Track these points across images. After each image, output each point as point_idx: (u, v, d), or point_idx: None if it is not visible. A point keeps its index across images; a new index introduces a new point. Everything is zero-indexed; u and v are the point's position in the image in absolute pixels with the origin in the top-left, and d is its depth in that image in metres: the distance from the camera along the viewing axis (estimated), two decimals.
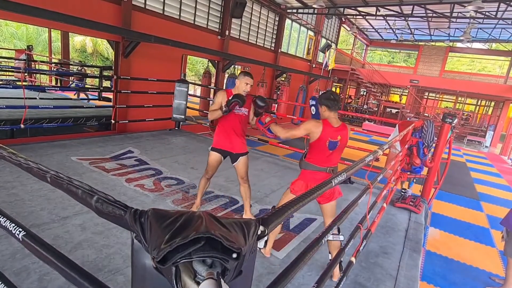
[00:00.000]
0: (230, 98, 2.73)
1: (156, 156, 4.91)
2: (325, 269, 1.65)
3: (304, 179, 2.45)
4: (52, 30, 11.81)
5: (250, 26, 10.28)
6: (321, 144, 2.32)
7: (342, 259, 2.27)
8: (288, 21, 12.36)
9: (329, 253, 2.52)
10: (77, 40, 17.98)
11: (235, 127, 2.96)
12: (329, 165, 2.39)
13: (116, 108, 5.87)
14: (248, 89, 2.87)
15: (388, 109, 19.48)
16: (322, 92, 2.54)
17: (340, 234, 2.20)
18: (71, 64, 12.16)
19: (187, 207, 3.37)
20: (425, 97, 20.04)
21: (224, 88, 9.02)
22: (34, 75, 10.10)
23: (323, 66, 14.67)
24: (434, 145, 4.22)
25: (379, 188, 3.84)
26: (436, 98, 20.50)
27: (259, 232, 0.77)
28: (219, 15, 8.80)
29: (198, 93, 11.84)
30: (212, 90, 9.38)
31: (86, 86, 11.42)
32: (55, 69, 10.99)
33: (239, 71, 15.59)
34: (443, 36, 17.03)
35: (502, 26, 13.22)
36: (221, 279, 0.61)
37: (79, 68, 11.43)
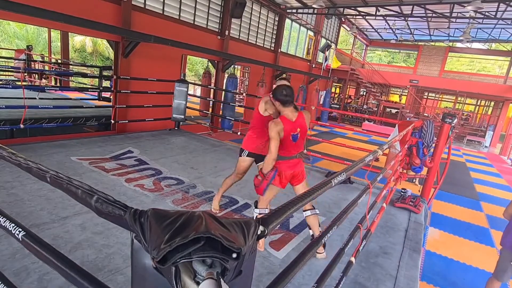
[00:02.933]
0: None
1: (156, 156, 4.91)
2: (325, 269, 1.65)
3: (279, 169, 2.60)
4: (52, 30, 11.80)
5: (250, 26, 10.28)
6: (286, 139, 2.50)
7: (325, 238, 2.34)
8: (288, 21, 12.36)
9: (309, 229, 2.79)
10: (77, 40, 17.97)
11: (266, 130, 2.97)
12: (297, 151, 2.62)
13: (115, 108, 5.87)
14: None
15: (388, 109, 19.49)
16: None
17: (315, 208, 2.64)
18: (71, 64, 12.16)
19: (187, 207, 3.37)
20: (425, 97, 20.04)
21: (224, 87, 9.02)
22: (34, 75, 10.10)
23: (323, 65, 14.69)
24: (433, 145, 4.22)
25: (379, 188, 3.84)
26: (436, 98, 20.50)
27: (259, 232, 0.78)
28: (219, 15, 8.80)
29: (198, 93, 11.85)
30: (212, 90, 9.38)
31: (86, 86, 11.43)
32: (54, 69, 10.98)
33: (238, 71, 15.60)
34: (443, 36, 17.04)
35: (502, 26, 13.23)
36: (221, 279, 0.62)
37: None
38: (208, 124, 8.87)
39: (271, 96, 2.63)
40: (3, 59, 11.33)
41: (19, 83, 8.51)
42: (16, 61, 9.52)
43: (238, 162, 3.10)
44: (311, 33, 14.27)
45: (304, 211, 2.69)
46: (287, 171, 2.59)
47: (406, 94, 19.17)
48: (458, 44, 18.76)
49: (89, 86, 11.50)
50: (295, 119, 2.52)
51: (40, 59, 11.96)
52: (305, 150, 2.66)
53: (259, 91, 9.39)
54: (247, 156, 3.04)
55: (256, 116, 3.01)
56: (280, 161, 2.59)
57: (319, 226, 2.73)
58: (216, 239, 0.61)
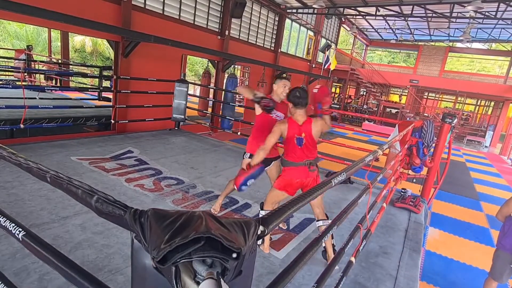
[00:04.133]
0: (265, 96, 2.71)
1: (156, 156, 4.91)
2: (325, 269, 1.65)
3: (286, 175, 2.57)
4: (52, 30, 11.80)
5: (250, 26, 10.28)
6: (290, 141, 2.47)
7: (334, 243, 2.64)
8: (288, 21, 12.36)
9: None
10: (77, 40, 17.97)
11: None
12: (305, 158, 2.50)
13: (116, 108, 5.87)
14: (285, 93, 2.81)
15: (388, 109, 19.48)
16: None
17: (329, 219, 2.53)
18: (71, 64, 12.16)
19: (187, 207, 3.37)
20: (425, 97, 20.04)
21: (224, 87, 9.01)
22: (34, 75, 10.10)
23: (323, 64, 14.68)
24: (433, 145, 4.22)
25: (379, 188, 3.84)
26: (436, 98, 20.50)
27: (259, 232, 0.78)
28: (219, 15, 8.80)
29: (198, 93, 11.84)
30: (211, 90, 9.37)
31: (86, 86, 11.43)
32: (54, 69, 10.98)
33: (238, 71, 15.57)
34: (443, 36, 17.04)
35: (502, 26, 13.23)
36: (221, 279, 0.62)
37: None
38: (208, 124, 8.87)
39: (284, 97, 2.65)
40: (3, 59, 11.33)
41: (19, 83, 8.51)
42: (16, 61, 9.52)
43: (241, 165, 3.09)
44: (311, 33, 14.27)
45: (316, 220, 2.62)
46: (294, 179, 2.52)
47: (406, 94, 19.17)
48: (458, 44, 18.77)
49: (89, 86, 11.49)
50: (302, 123, 2.49)
51: (41, 60, 11.95)
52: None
53: (259, 91, 9.37)
54: (249, 158, 3.00)
55: (256, 118, 2.99)
56: (286, 168, 2.55)
57: (332, 238, 2.61)
58: (216, 239, 0.61)
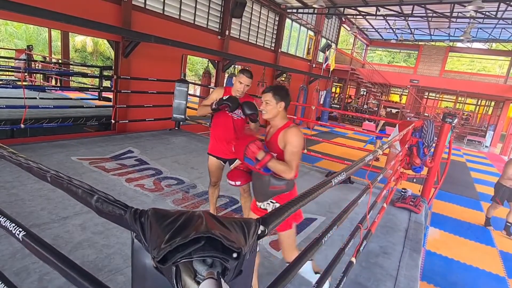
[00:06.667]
0: (223, 97, 2.44)
1: (156, 156, 4.91)
2: (325, 269, 1.65)
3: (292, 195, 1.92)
4: (52, 29, 11.81)
5: (250, 26, 10.28)
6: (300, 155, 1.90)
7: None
8: (288, 21, 12.36)
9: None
10: (77, 40, 17.97)
11: (227, 132, 2.61)
12: None
13: (116, 108, 5.87)
14: (242, 89, 2.47)
15: (388, 109, 19.46)
16: (276, 86, 1.94)
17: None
18: (72, 64, 12.16)
19: (187, 207, 3.37)
20: (425, 97, 20.03)
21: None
22: (34, 75, 10.10)
23: (323, 64, 14.68)
24: (434, 145, 4.22)
25: (379, 188, 3.84)
26: (436, 98, 20.49)
27: (259, 232, 0.77)
28: (219, 15, 8.79)
29: (198, 93, 11.84)
30: (211, 90, 9.37)
31: (86, 85, 11.43)
32: (54, 69, 10.99)
33: (238, 71, 15.57)
34: (443, 36, 17.03)
35: (502, 26, 13.22)
36: (221, 279, 0.61)
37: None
38: (208, 124, 8.87)
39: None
40: (3, 59, 11.33)
41: (20, 83, 8.51)
42: (17, 61, 9.53)
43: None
44: (311, 33, 14.27)
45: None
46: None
47: (407, 94, 19.16)
48: (459, 44, 18.76)
49: (90, 86, 11.50)
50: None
51: (42, 59, 11.95)
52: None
53: (259, 91, 9.38)
54: (208, 154, 2.77)
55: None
56: (293, 191, 1.94)
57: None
58: (217, 238, 0.61)
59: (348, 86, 19.57)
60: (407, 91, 18.84)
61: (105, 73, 8.94)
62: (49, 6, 4.56)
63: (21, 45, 15.03)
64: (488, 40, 17.11)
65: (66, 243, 2.43)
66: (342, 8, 11.80)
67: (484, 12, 9.93)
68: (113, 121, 5.84)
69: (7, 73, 9.74)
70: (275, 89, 1.88)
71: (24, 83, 8.59)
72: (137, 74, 6.31)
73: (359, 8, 11.42)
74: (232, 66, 9.01)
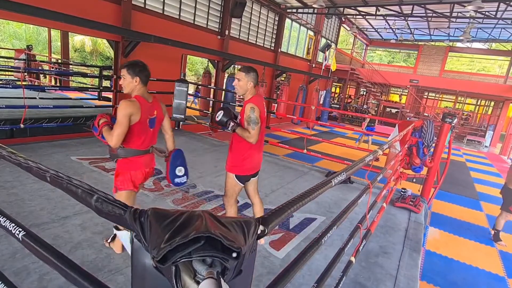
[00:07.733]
0: (221, 116, 2.47)
1: (155, 155, 4.90)
2: (325, 269, 1.65)
3: (127, 169, 2.22)
4: (51, 29, 11.80)
5: (250, 26, 10.28)
6: (143, 125, 2.14)
7: None
8: (288, 21, 12.36)
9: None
10: (77, 39, 17.96)
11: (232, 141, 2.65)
12: (151, 144, 2.33)
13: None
14: (236, 85, 2.53)
15: (388, 109, 19.48)
16: (130, 61, 2.27)
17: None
18: (71, 64, 12.15)
19: (187, 207, 3.37)
20: (425, 97, 20.03)
21: (223, 87, 9.02)
22: (34, 74, 10.09)
23: (323, 64, 14.68)
24: (433, 145, 4.22)
25: (379, 188, 3.84)
26: (436, 98, 20.50)
27: (259, 232, 0.77)
28: (219, 15, 8.79)
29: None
30: (212, 90, 9.38)
31: (86, 85, 11.43)
32: (54, 69, 10.99)
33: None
34: (443, 36, 17.03)
35: (502, 26, 13.22)
36: (221, 279, 0.61)
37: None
38: (208, 124, 8.87)
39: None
40: (3, 59, 11.32)
41: (19, 82, 8.50)
42: (16, 61, 9.52)
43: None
44: (311, 33, 14.27)
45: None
46: (138, 170, 2.26)
47: (406, 94, 19.16)
48: (458, 44, 18.76)
49: (89, 86, 11.48)
50: (151, 101, 2.23)
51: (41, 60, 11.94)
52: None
53: (259, 91, 9.38)
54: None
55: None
56: (127, 159, 2.22)
57: None
58: (216, 238, 0.61)
59: (348, 86, 19.57)
60: (407, 91, 18.84)
61: (105, 73, 8.93)
62: (49, 6, 4.56)
63: (19, 45, 15.02)
64: (487, 40, 17.12)
65: (66, 243, 2.43)
66: (342, 8, 11.81)
67: (484, 12, 9.94)
68: None
69: (6, 73, 9.73)
70: (130, 65, 2.25)
71: (23, 82, 8.58)
72: None
73: (359, 8, 11.42)
74: (232, 66, 9.01)
